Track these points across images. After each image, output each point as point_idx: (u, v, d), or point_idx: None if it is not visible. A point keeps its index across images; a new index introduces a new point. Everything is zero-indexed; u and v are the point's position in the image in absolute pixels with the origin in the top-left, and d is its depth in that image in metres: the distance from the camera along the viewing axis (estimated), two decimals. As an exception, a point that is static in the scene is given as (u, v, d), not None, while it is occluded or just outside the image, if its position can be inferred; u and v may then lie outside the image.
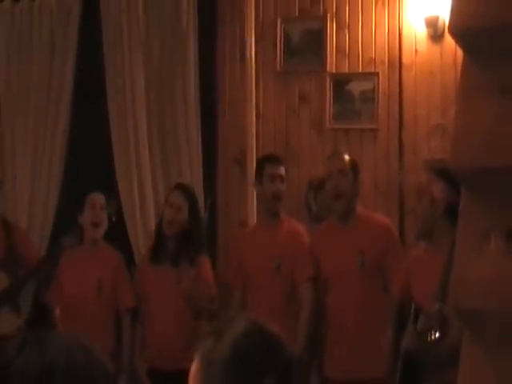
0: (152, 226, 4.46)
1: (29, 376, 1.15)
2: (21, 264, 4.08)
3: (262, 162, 3.90)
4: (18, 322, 3.99)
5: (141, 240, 4.51)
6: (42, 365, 1.16)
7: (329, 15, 4.33)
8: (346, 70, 4.32)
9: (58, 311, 3.97)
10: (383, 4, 4.25)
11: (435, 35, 4.15)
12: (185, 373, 3.99)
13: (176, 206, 3.83)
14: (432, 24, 4.13)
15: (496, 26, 2.07)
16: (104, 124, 4.64)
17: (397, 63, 4.22)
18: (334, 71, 4.32)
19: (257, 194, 4.03)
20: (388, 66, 4.24)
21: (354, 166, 3.66)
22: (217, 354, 1.37)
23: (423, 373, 2.98)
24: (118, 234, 4.33)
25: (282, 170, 3.79)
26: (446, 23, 4.04)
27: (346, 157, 3.69)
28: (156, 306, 3.79)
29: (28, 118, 4.81)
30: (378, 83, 4.24)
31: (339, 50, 4.32)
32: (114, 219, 4.06)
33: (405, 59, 4.22)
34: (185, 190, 3.93)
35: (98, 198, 3.96)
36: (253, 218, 4.29)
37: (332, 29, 4.32)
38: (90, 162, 4.82)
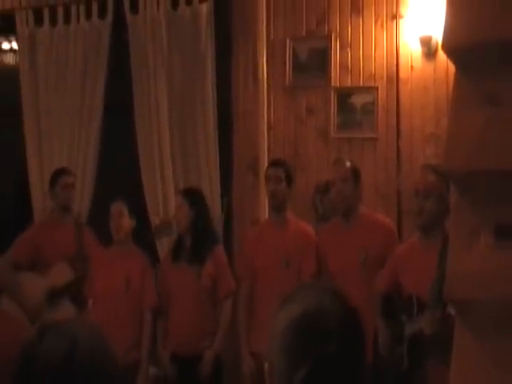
0: (175, 229, 4.48)
1: (53, 359, 1.16)
2: (86, 260, 4.13)
3: (267, 166, 3.96)
4: (76, 312, 4.04)
5: (164, 242, 4.52)
6: (63, 350, 1.17)
7: (333, 35, 4.33)
8: (349, 85, 4.31)
9: (90, 303, 3.99)
10: (382, 25, 4.25)
11: (429, 53, 4.14)
12: (201, 358, 3.97)
13: (176, 207, 3.90)
14: (426, 43, 4.12)
15: (484, 44, 2.07)
16: (131, 137, 4.67)
17: (394, 78, 4.21)
18: (337, 86, 4.32)
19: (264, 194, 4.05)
20: (386, 81, 4.23)
21: (355, 172, 3.65)
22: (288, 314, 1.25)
23: (431, 354, 2.95)
24: (144, 235, 4.35)
25: (279, 172, 3.74)
26: (439, 42, 4.03)
27: (348, 164, 3.68)
28: (177, 300, 3.78)
29: (64, 132, 4.85)
30: (378, 96, 4.23)
31: (342, 66, 4.32)
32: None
33: (401, 75, 4.21)
34: (183, 192, 3.96)
35: (117, 207, 3.95)
36: (264, 218, 4.29)
37: (336, 47, 4.33)
38: (118, 171, 4.84)
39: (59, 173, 4.34)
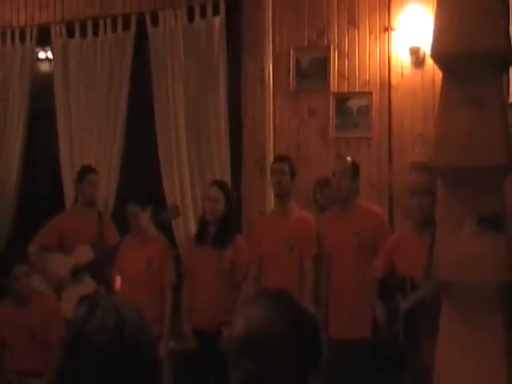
0: (190, 217, 4.47)
1: (106, 331, 1.13)
2: (106, 245, 4.19)
3: (272, 160, 3.95)
4: (96, 286, 4.09)
5: (181, 227, 4.52)
6: (115, 322, 1.14)
7: (332, 46, 4.30)
8: (346, 90, 4.28)
9: (118, 281, 4.01)
10: (375, 37, 4.22)
11: (417, 62, 4.11)
12: (221, 332, 3.97)
13: (214, 198, 3.80)
14: (415, 53, 4.09)
15: (467, 52, 2.05)
16: (152, 136, 4.65)
17: (386, 84, 4.18)
18: (336, 91, 4.29)
19: (269, 185, 4.04)
20: (379, 87, 4.20)
21: (354, 167, 3.64)
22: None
23: (423, 327, 2.94)
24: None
25: (283, 166, 3.74)
26: (426, 52, 4.01)
27: (349, 159, 3.69)
28: (200, 280, 3.76)
29: (92, 131, 4.84)
30: (372, 101, 4.20)
31: (340, 73, 4.29)
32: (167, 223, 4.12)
33: (393, 81, 4.18)
34: (221, 185, 3.91)
35: (131, 210, 3.92)
36: (270, 208, 4.27)
37: (334, 57, 4.29)
38: (140, 167, 4.83)
39: (86, 170, 4.38)
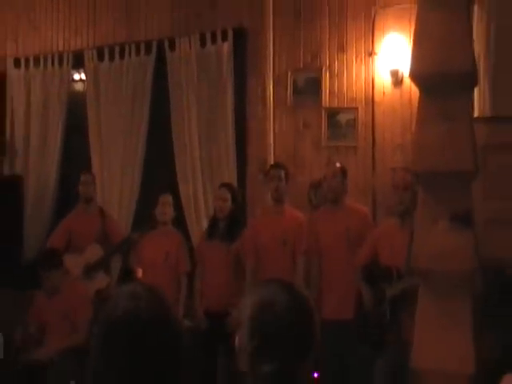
0: (202, 215, 4.47)
1: (156, 309, 1.15)
2: (110, 241, 4.13)
3: (268, 168, 3.93)
4: (109, 280, 4.04)
5: (194, 224, 4.52)
6: (158, 302, 1.16)
7: (324, 68, 4.30)
8: (336, 106, 4.28)
9: (140, 271, 4.00)
10: (361, 60, 4.23)
11: (397, 82, 4.11)
12: (229, 313, 3.96)
13: (223, 198, 3.82)
14: (394, 74, 4.10)
15: (441, 73, 2.05)
16: (169, 147, 4.65)
17: (370, 101, 4.18)
18: (327, 106, 4.29)
19: (267, 189, 4.03)
20: (364, 103, 4.20)
21: (343, 171, 3.64)
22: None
23: (405, 310, 2.95)
24: (179, 220, 4.34)
25: (279, 172, 3.72)
26: (404, 74, 4.01)
27: (338, 164, 3.69)
28: (210, 268, 3.77)
29: (118, 142, 4.85)
30: (358, 115, 4.20)
31: (331, 91, 4.29)
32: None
33: (376, 98, 4.18)
34: (228, 186, 3.93)
35: (165, 197, 3.97)
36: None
37: (326, 77, 4.29)
38: (159, 173, 4.83)
39: (81, 173, 4.33)
